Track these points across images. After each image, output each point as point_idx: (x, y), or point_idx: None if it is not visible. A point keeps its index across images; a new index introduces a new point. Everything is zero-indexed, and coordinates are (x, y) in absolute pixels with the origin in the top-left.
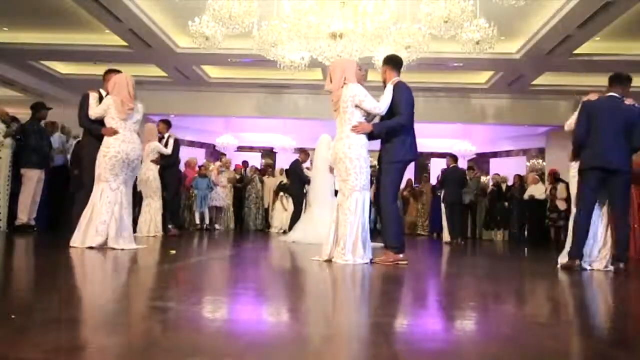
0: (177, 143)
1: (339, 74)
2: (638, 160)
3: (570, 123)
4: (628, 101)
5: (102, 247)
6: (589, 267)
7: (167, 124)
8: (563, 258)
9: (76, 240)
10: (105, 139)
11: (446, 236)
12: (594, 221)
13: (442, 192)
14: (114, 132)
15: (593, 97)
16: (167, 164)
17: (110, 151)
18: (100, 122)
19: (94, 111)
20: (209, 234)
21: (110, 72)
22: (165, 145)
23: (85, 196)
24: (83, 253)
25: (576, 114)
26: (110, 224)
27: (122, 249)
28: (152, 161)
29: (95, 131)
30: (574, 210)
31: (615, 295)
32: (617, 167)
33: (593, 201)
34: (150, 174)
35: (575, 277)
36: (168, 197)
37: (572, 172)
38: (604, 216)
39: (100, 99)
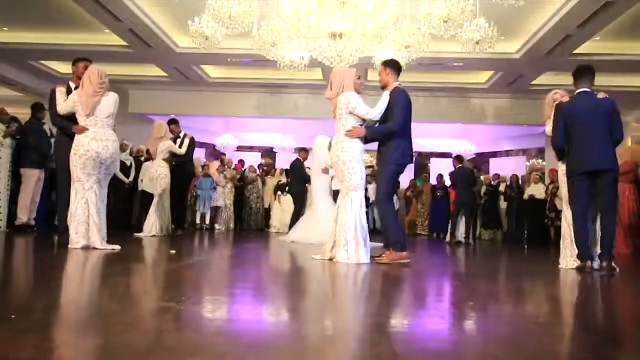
0: (193, 142)
1: (338, 82)
2: (627, 159)
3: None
4: (601, 95)
5: (90, 248)
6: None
7: (178, 123)
8: (564, 260)
9: (71, 241)
10: (77, 137)
11: (457, 236)
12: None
13: (455, 192)
14: (84, 130)
15: (564, 97)
16: (180, 163)
17: (79, 150)
18: (73, 119)
19: (61, 107)
20: (209, 234)
21: (78, 61)
22: (181, 144)
23: (60, 197)
24: (82, 254)
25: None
26: (90, 225)
27: (103, 249)
28: (165, 160)
29: (66, 129)
30: (565, 209)
31: (613, 294)
32: (605, 167)
33: (587, 202)
34: (162, 171)
35: (575, 277)
36: (178, 196)
37: (561, 171)
38: (595, 215)
39: (69, 92)
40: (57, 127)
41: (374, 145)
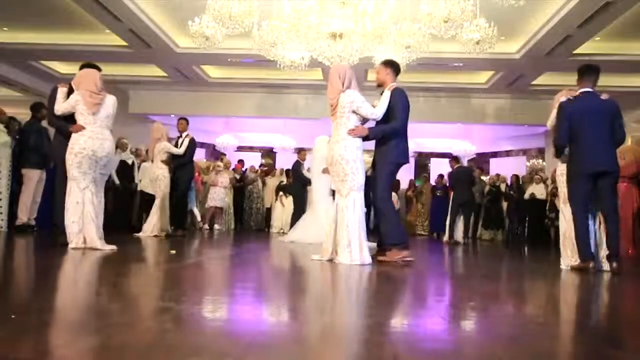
0: (193, 143)
1: (346, 81)
2: (631, 159)
3: (552, 119)
4: (604, 96)
5: (88, 248)
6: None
7: (186, 122)
8: (565, 260)
9: (69, 240)
10: (73, 136)
11: (447, 236)
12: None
13: (452, 192)
14: (81, 129)
15: (566, 95)
16: (179, 164)
17: (74, 148)
18: (70, 118)
19: (60, 106)
20: (209, 234)
21: (85, 67)
22: (181, 144)
23: (58, 196)
24: (82, 253)
25: (555, 112)
26: (86, 224)
27: (101, 249)
28: (162, 161)
29: (62, 129)
30: (563, 208)
31: (614, 294)
32: (606, 168)
33: (587, 202)
34: (160, 172)
35: (575, 277)
36: (178, 196)
37: (559, 171)
38: (596, 216)
39: (70, 92)
40: (51, 126)
41: (371, 145)
